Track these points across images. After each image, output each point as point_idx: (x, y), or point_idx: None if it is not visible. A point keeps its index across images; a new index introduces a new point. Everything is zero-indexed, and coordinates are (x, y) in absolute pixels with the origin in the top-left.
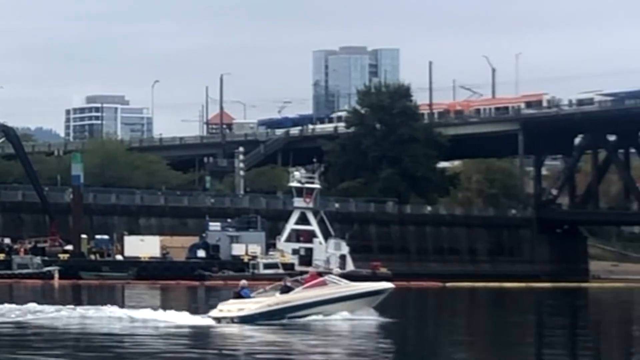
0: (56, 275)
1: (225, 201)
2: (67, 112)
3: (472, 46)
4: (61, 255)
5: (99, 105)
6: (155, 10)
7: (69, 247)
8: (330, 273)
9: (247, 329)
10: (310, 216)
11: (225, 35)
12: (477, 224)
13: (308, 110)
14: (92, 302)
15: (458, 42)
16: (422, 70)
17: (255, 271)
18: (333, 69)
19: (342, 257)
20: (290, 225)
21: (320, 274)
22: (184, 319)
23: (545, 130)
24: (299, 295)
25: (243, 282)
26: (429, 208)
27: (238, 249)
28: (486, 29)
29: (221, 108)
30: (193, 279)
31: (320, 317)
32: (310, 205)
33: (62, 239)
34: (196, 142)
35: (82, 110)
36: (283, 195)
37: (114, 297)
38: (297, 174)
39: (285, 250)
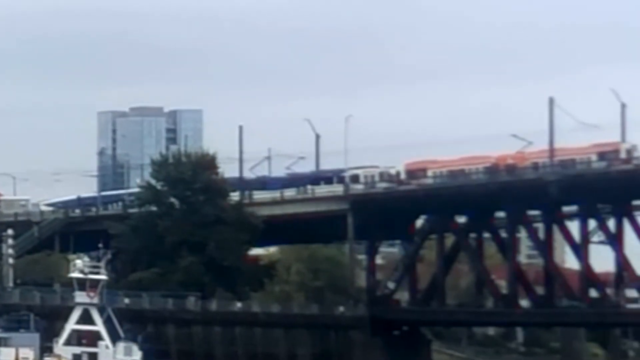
0: None
1: None
2: None
3: (292, 108)
4: None
5: None
6: None
7: None
8: None
9: None
10: (95, 314)
11: None
12: (298, 324)
13: (92, 185)
14: None
15: (275, 104)
16: (230, 135)
17: None
18: (122, 134)
19: None
20: (71, 325)
21: None
22: None
23: (380, 210)
24: None
25: None
26: (239, 305)
27: (6, 354)
28: (309, 89)
29: None
30: None
31: None
32: (95, 300)
33: None
34: None
35: None
36: (61, 289)
37: None
38: (78, 262)
39: (64, 355)
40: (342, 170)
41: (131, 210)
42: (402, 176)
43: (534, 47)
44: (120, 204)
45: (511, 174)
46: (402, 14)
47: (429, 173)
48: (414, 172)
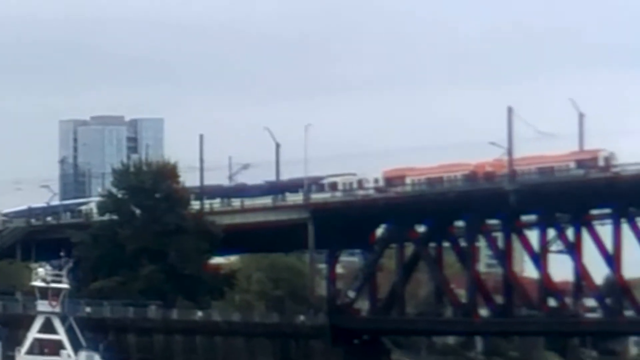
0: None
1: None
2: None
3: (252, 116)
4: None
5: None
6: None
7: None
8: None
9: None
10: (57, 323)
11: None
12: (259, 332)
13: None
14: None
15: (235, 112)
16: (191, 144)
17: None
18: (83, 143)
19: None
20: (33, 333)
21: None
22: None
23: (340, 219)
24: None
25: None
26: (199, 313)
27: None
28: (269, 97)
29: None
30: None
31: None
32: (57, 309)
33: None
34: None
35: None
36: (23, 297)
37: None
38: (41, 270)
39: None
40: (321, 178)
41: (93, 219)
42: (381, 183)
43: (494, 54)
44: (68, 214)
45: (470, 184)
46: (362, 22)
47: (408, 180)
48: (392, 180)
